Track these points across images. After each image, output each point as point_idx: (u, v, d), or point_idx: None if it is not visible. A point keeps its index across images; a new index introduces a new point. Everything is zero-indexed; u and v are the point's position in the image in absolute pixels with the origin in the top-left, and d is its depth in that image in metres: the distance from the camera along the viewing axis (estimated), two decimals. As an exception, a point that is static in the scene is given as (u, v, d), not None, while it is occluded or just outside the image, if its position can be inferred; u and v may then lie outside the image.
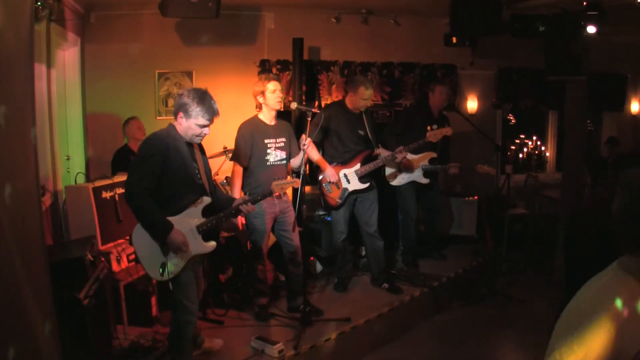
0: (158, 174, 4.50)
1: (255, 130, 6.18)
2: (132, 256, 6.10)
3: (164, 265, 4.56)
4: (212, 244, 4.89)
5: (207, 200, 4.83)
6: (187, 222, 4.71)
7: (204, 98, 4.62)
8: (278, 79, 6.24)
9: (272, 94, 6.09)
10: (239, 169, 6.18)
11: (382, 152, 7.11)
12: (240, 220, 6.27)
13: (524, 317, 7.17)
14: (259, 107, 6.27)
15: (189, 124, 4.63)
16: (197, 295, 5.02)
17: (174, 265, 4.63)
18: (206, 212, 4.84)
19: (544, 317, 7.01)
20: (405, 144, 7.10)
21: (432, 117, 7.96)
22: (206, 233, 4.83)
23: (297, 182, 5.39)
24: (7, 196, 2.82)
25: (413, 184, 7.91)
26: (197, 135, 4.69)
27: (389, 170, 7.87)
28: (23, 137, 3.15)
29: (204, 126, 4.65)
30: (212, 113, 4.63)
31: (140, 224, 4.59)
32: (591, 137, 11.69)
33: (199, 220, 4.77)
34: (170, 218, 4.58)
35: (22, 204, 3.05)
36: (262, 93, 6.11)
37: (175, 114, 4.69)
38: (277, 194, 5.25)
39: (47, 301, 3.38)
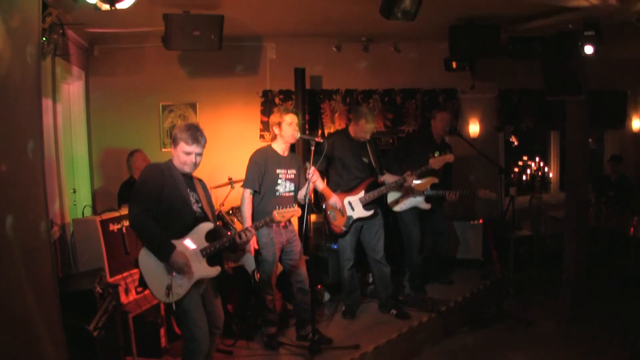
0: (156, 197, 4.66)
1: (269, 159, 6.26)
2: (140, 288, 6.12)
3: (169, 287, 4.63)
4: (217, 268, 4.95)
5: (208, 225, 4.91)
6: (190, 245, 4.81)
7: (189, 127, 4.83)
8: (296, 113, 6.35)
9: (289, 127, 6.18)
10: (249, 197, 6.22)
11: (388, 179, 7.14)
12: (253, 245, 6.28)
13: (534, 338, 7.15)
14: (274, 137, 6.35)
15: (177, 153, 4.82)
16: (214, 321, 5.09)
17: (179, 286, 4.69)
18: (209, 238, 4.92)
19: (553, 338, 7.04)
20: (406, 171, 7.14)
21: (434, 144, 8.01)
22: (210, 257, 4.91)
23: (298, 211, 5.40)
24: (19, 227, 2.86)
25: (415, 209, 7.93)
26: (183, 163, 4.83)
27: (391, 197, 7.88)
28: (33, 173, 3.20)
29: (188, 153, 4.79)
30: (193, 139, 4.77)
31: (144, 245, 4.69)
32: (594, 156, 11.72)
33: (202, 244, 4.86)
34: (173, 241, 4.69)
35: (33, 235, 3.09)
36: (279, 125, 6.20)
37: (172, 149, 4.91)
38: (277, 220, 5.27)
39: (58, 333, 3.41)
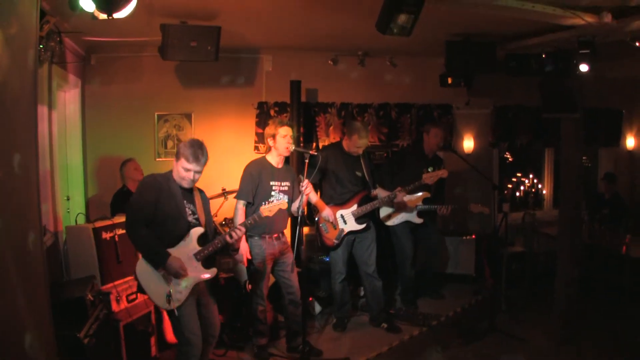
0: (152, 208, 4.77)
1: (263, 171, 6.28)
2: (132, 296, 6.13)
3: (169, 295, 4.73)
4: (214, 269, 5.06)
5: (198, 230, 5.00)
6: (184, 251, 4.89)
7: (192, 145, 4.91)
8: (291, 125, 6.37)
9: (283, 139, 6.20)
10: (242, 208, 6.23)
11: (380, 193, 7.16)
12: (245, 254, 6.28)
13: (524, 355, 7.16)
14: (269, 149, 6.37)
15: (177, 167, 4.91)
16: (210, 328, 5.19)
17: (178, 292, 4.80)
18: (202, 242, 5.02)
19: (545, 355, 7.03)
20: (400, 185, 7.17)
21: (425, 159, 8.04)
22: (205, 260, 5.00)
23: (285, 204, 5.42)
24: (10, 233, 2.87)
25: (407, 223, 7.94)
26: (182, 178, 4.92)
27: (383, 211, 7.91)
28: (27, 181, 3.21)
29: (187, 170, 4.86)
30: (194, 157, 4.84)
31: (139, 253, 4.85)
32: (588, 173, 11.75)
33: (195, 248, 4.95)
34: (168, 250, 4.79)
35: (24, 242, 3.10)
36: (273, 137, 6.23)
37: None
38: (264, 215, 5.28)
39: (48, 340, 3.41)
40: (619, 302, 8.32)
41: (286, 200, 5.62)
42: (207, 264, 5.02)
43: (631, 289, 8.16)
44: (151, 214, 4.77)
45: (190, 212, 4.99)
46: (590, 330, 7.62)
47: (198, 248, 4.96)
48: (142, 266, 4.80)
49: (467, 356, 7.17)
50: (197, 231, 4.98)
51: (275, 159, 6.35)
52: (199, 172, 4.92)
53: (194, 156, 4.82)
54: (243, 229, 5.16)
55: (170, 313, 4.82)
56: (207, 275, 5.00)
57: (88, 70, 8.37)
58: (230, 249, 5.65)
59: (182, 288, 4.82)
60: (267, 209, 5.27)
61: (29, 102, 3.29)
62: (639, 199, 11.31)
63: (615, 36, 7.09)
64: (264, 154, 6.52)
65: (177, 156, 4.87)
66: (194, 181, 4.95)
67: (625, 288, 8.21)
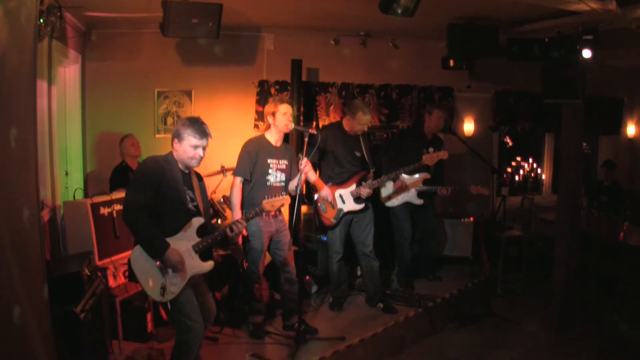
0: (154, 193, 4.59)
1: (261, 148, 6.26)
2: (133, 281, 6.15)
3: (163, 287, 4.61)
4: (210, 263, 4.94)
5: (199, 220, 4.88)
6: (183, 243, 4.76)
7: (194, 121, 4.77)
8: (291, 104, 6.35)
9: (283, 117, 6.18)
10: (239, 185, 6.21)
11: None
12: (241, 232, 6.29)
13: (519, 339, 7.18)
14: (268, 127, 6.36)
15: (183, 148, 4.74)
16: (206, 315, 5.10)
17: (173, 285, 4.66)
18: (201, 233, 4.91)
19: (539, 340, 7.06)
20: (399, 166, 7.18)
21: (425, 140, 8.01)
22: (203, 253, 4.89)
23: (287, 199, 5.39)
24: (6, 209, 2.87)
25: (407, 205, 7.94)
26: (191, 158, 4.77)
27: (384, 192, 7.90)
28: (25, 155, 3.20)
29: (196, 147, 4.74)
30: (202, 133, 4.73)
31: (138, 242, 4.65)
32: (588, 160, 11.74)
33: (194, 240, 4.83)
34: (167, 239, 4.66)
35: (21, 217, 3.10)
36: (273, 114, 6.21)
37: (172, 143, 4.82)
38: (266, 210, 5.27)
39: (44, 315, 3.42)
40: (615, 289, 8.34)
41: (288, 198, 5.56)
42: (203, 256, 4.92)
43: (628, 277, 8.17)
44: (153, 198, 4.60)
45: (189, 199, 4.88)
46: (586, 319, 7.65)
47: (197, 239, 4.85)
48: (138, 255, 4.64)
49: (462, 339, 7.20)
50: (198, 221, 4.86)
51: (274, 137, 6.34)
52: (205, 147, 4.81)
53: (201, 132, 4.72)
54: (244, 223, 5.11)
55: (163, 304, 4.72)
56: (204, 269, 4.90)
57: (88, 46, 8.34)
58: (229, 242, 5.60)
59: (177, 281, 4.69)
60: (269, 204, 5.23)
61: (28, 77, 3.28)
62: (638, 187, 11.31)
63: (619, 23, 7.04)
64: (262, 132, 6.51)
65: (180, 136, 4.71)
66: (202, 158, 4.84)
67: (622, 276, 8.22)
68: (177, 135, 4.74)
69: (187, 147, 4.72)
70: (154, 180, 4.61)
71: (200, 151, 4.77)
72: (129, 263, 4.68)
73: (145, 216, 4.53)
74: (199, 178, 5.17)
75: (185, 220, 4.82)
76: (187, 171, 4.93)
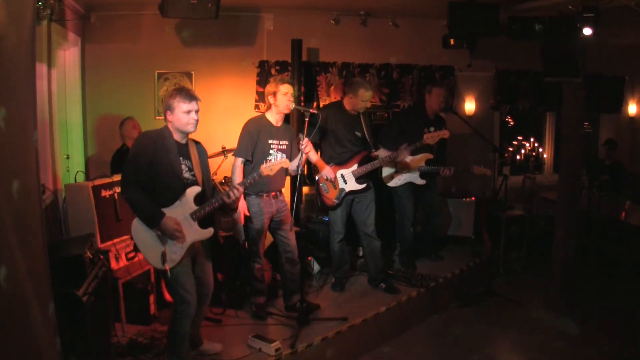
0: (147, 168, 4.72)
1: (262, 129, 6.22)
2: (131, 254, 6.15)
3: (164, 255, 4.73)
4: (210, 230, 5.03)
5: (196, 189, 4.96)
6: (180, 212, 4.86)
7: (180, 89, 4.88)
8: (292, 83, 6.31)
9: (284, 97, 6.14)
10: (240, 166, 6.18)
11: (381, 153, 7.14)
12: (242, 211, 6.28)
13: (521, 318, 7.21)
14: (269, 107, 6.32)
15: (177, 117, 4.82)
16: (203, 289, 5.21)
17: (173, 253, 4.80)
18: (199, 201, 4.99)
19: (540, 319, 7.08)
20: (399, 146, 7.15)
21: (427, 119, 7.99)
22: (201, 220, 4.98)
23: (287, 162, 5.38)
24: (14, 192, 2.86)
25: (410, 185, 7.92)
26: (187, 123, 4.84)
27: (385, 172, 7.89)
28: (25, 137, 3.19)
29: (189, 111, 4.81)
30: (190, 97, 4.83)
31: (135, 214, 4.80)
32: (589, 139, 11.72)
33: (191, 208, 4.91)
34: (163, 210, 4.78)
35: (24, 201, 3.09)
36: (274, 94, 6.16)
37: (164, 117, 4.91)
38: (265, 174, 5.26)
39: (46, 298, 3.42)
40: (616, 269, 8.34)
41: (287, 161, 5.57)
42: (204, 223, 5.00)
43: (629, 256, 8.18)
44: (146, 173, 4.72)
45: (186, 169, 4.94)
46: (587, 299, 7.68)
47: (195, 208, 4.92)
48: (137, 226, 4.80)
49: (464, 318, 7.23)
50: (193, 190, 4.93)
51: (274, 117, 6.30)
52: (197, 111, 4.87)
53: (189, 96, 4.81)
54: (241, 189, 5.12)
55: (164, 273, 4.81)
56: (204, 236, 5.00)
57: (88, 28, 8.31)
58: (229, 209, 5.63)
59: (177, 248, 4.82)
60: (267, 168, 5.21)
61: (26, 60, 3.26)
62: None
63: (619, 1, 7.02)
64: (263, 112, 6.49)
65: (170, 107, 4.80)
66: (197, 121, 4.88)
67: (623, 255, 8.23)
68: (168, 108, 4.84)
69: (180, 115, 4.80)
70: (145, 155, 4.73)
71: (193, 115, 4.84)
72: (130, 234, 4.85)
73: (138, 190, 4.70)
74: (199, 148, 5.21)
75: (181, 190, 4.90)
76: (183, 141, 4.98)
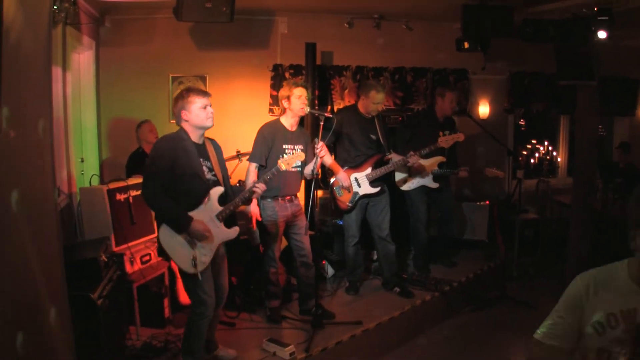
0: (168, 173, 4.72)
1: (276, 134, 6.23)
2: (146, 258, 6.17)
3: (194, 258, 4.76)
4: (235, 229, 5.11)
5: (219, 190, 5.00)
6: (206, 214, 4.90)
7: (189, 88, 4.94)
8: (306, 87, 6.31)
9: (298, 100, 6.15)
10: (255, 171, 6.17)
11: (394, 157, 7.13)
12: (255, 216, 6.28)
13: (535, 322, 7.15)
14: (283, 111, 6.34)
15: (194, 113, 4.86)
16: (219, 292, 5.23)
17: (203, 255, 4.86)
18: (222, 201, 5.03)
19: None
20: (413, 150, 7.14)
21: (437, 122, 7.99)
22: (227, 220, 5.04)
23: (302, 155, 5.47)
24: (30, 194, 2.88)
25: (423, 188, 7.91)
26: (206, 118, 4.88)
27: (398, 176, 7.87)
28: (41, 141, 3.20)
29: (205, 106, 4.86)
30: (202, 92, 4.91)
31: (162, 221, 4.81)
32: (602, 142, 11.68)
33: (217, 209, 4.96)
34: (189, 213, 4.80)
35: (39, 204, 3.10)
36: (288, 98, 6.18)
37: (179, 120, 4.94)
38: (282, 169, 5.28)
39: (62, 301, 3.43)
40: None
41: (303, 153, 5.57)
42: (227, 222, 5.05)
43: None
44: (169, 178, 4.73)
45: (207, 170, 4.96)
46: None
47: (220, 208, 4.97)
48: (165, 232, 4.81)
49: (477, 322, 7.21)
50: (217, 191, 4.96)
51: (289, 121, 6.31)
52: (211, 105, 4.92)
53: (201, 92, 4.89)
54: (263, 186, 5.17)
55: (187, 274, 4.84)
56: (231, 236, 5.07)
57: (102, 32, 8.32)
58: (249, 202, 5.64)
59: (206, 250, 4.87)
60: (285, 162, 5.27)
61: (43, 63, 3.28)
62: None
63: (634, 3, 6.99)
64: (278, 117, 6.49)
65: (185, 106, 4.82)
66: (213, 113, 4.91)
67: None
68: (182, 108, 4.86)
69: (198, 111, 4.84)
70: (167, 161, 4.74)
71: (209, 109, 4.89)
72: (158, 242, 4.88)
73: (163, 196, 4.72)
74: (215, 145, 5.24)
75: (204, 191, 4.93)
76: (201, 142, 5.01)
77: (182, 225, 4.75)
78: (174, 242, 4.80)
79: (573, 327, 2.77)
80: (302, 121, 6.54)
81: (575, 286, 2.83)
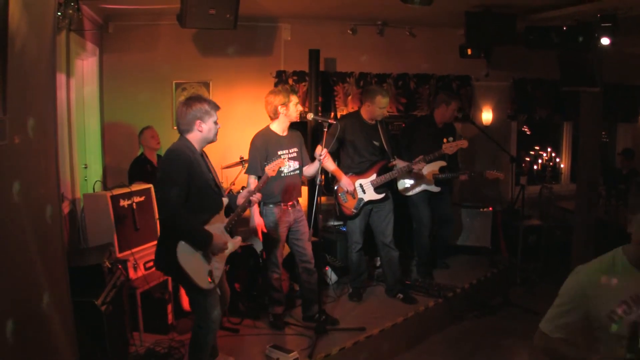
0: (185, 187, 4.55)
1: (269, 142, 6.23)
2: (149, 264, 6.16)
3: (210, 273, 4.73)
4: (239, 238, 5.11)
5: (225, 201, 5.00)
6: (218, 226, 4.89)
7: (201, 98, 4.78)
8: (295, 93, 6.36)
9: (295, 107, 6.23)
10: (254, 182, 6.10)
11: (399, 163, 7.14)
12: (260, 227, 6.27)
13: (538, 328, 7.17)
14: (276, 117, 6.32)
15: (209, 126, 4.75)
16: (223, 298, 5.22)
17: (217, 269, 4.82)
18: (226, 213, 5.03)
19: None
20: (414, 156, 7.15)
21: (435, 128, 8.01)
22: (232, 230, 5.06)
23: (282, 162, 5.43)
24: (34, 200, 2.88)
25: (425, 192, 7.91)
26: (215, 133, 4.83)
27: (400, 184, 7.89)
28: (45, 147, 3.21)
29: (216, 121, 4.80)
30: (215, 106, 4.81)
31: (183, 237, 4.60)
32: (605, 149, 11.68)
33: (224, 220, 4.96)
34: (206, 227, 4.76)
35: (44, 210, 3.11)
36: (286, 105, 6.18)
37: (191, 126, 4.73)
38: (269, 175, 5.29)
39: (65, 306, 3.43)
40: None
41: (282, 160, 5.54)
42: (230, 232, 5.06)
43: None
44: (186, 193, 4.55)
45: (213, 182, 4.90)
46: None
47: (225, 220, 4.96)
48: (184, 250, 4.58)
49: (481, 329, 7.20)
50: (224, 202, 4.96)
51: (280, 127, 6.33)
52: None
53: (215, 105, 4.79)
54: (259, 195, 5.19)
55: (197, 290, 4.70)
56: (236, 246, 5.07)
57: (106, 38, 8.33)
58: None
59: (219, 264, 4.85)
60: (270, 169, 5.28)
61: (47, 69, 3.29)
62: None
63: (637, 10, 6.99)
64: (267, 125, 6.47)
65: (203, 117, 4.66)
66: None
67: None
68: (200, 117, 4.69)
69: (212, 125, 4.77)
70: (183, 175, 4.55)
71: (218, 124, 4.84)
72: (176, 264, 4.57)
73: (183, 212, 4.52)
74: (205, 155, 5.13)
75: (214, 202, 4.88)
76: (201, 153, 4.91)
77: (204, 242, 4.64)
78: (193, 259, 4.64)
79: (579, 316, 2.82)
80: (305, 127, 6.55)
81: (577, 277, 2.88)
